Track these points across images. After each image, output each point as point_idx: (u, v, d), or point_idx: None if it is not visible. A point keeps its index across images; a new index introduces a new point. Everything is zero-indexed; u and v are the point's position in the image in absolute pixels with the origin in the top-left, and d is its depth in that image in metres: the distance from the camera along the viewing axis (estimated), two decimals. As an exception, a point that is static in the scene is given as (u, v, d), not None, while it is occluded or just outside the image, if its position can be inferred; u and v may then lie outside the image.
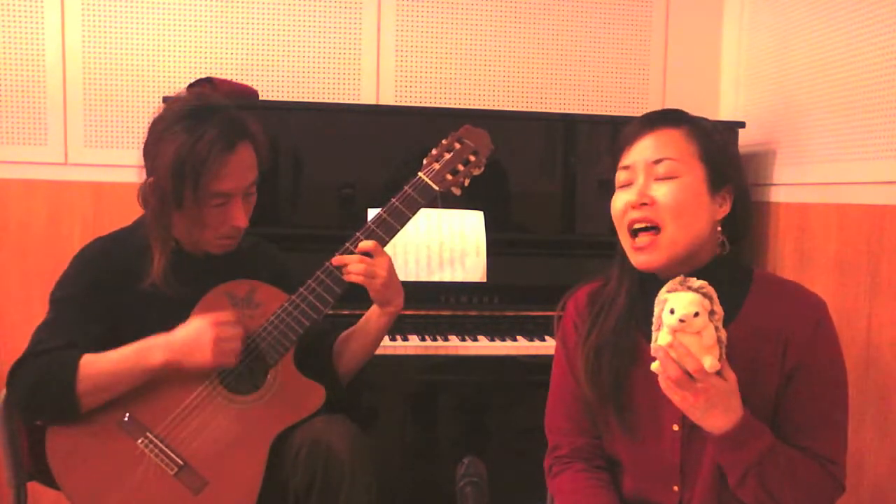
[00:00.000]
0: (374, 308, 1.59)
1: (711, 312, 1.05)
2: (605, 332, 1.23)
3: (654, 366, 1.08)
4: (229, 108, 1.47)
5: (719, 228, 1.20)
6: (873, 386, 1.85)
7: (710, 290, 1.06)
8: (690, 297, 1.05)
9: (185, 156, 1.38)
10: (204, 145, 1.38)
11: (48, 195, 2.35)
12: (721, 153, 1.20)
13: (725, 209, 1.20)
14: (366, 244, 1.51)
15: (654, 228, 1.16)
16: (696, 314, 1.03)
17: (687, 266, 1.17)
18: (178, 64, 2.38)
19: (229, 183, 1.43)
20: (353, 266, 1.49)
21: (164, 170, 1.39)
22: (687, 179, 1.16)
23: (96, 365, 1.38)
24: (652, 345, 1.09)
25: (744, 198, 1.23)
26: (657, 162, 1.17)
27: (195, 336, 1.38)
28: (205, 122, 1.40)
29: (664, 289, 1.09)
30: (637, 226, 1.18)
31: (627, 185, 1.20)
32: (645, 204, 1.16)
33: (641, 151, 1.19)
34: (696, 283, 1.06)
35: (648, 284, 1.18)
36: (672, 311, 1.04)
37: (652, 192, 1.16)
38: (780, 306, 1.18)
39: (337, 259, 1.51)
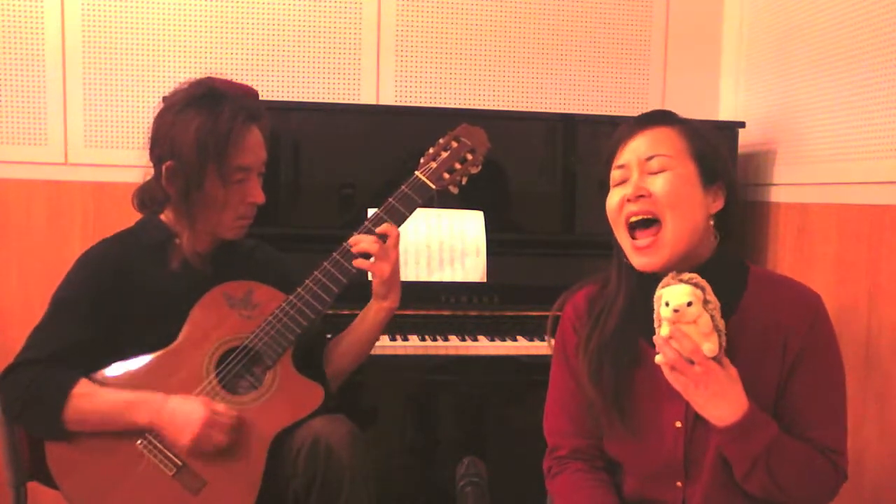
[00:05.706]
0: (371, 304, 1.60)
1: (706, 302, 1.10)
2: (605, 334, 1.24)
3: (659, 358, 1.13)
4: (235, 95, 1.52)
5: (712, 223, 1.21)
6: (873, 385, 1.84)
7: (702, 281, 1.12)
8: (682, 288, 1.10)
9: (207, 133, 1.43)
10: (225, 121, 1.44)
11: (48, 195, 2.34)
12: (712, 151, 1.22)
13: (719, 204, 1.22)
14: (381, 228, 1.54)
15: (654, 222, 1.18)
16: (690, 304, 1.09)
17: (686, 265, 1.18)
18: (179, 64, 2.38)
19: (250, 156, 1.49)
20: (367, 244, 1.52)
21: (188, 149, 1.43)
22: (679, 171, 1.18)
23: (87, 400, 1.38)
24: (655, 339, 1.13)
25: (735, 195, 1.24)
26: (650, 158, 1.19)
27: (186, 415, 1.37)
28: (219, 103, 1.46)
29: (659, 286, 1.14)
30: (634, 219, 1.19)
31: (622, 182, 1.22)
32: (642, 196, 1.18)
33: (634, 150, 1.21)
34: (686, 275, 1.12)
35: (648, 286, 1.18)
36: (667, 304, 1.10)
37: (647, 184, 1.18)
38: (777, 301, 1.20)
39: (353, 239, 1.53)
